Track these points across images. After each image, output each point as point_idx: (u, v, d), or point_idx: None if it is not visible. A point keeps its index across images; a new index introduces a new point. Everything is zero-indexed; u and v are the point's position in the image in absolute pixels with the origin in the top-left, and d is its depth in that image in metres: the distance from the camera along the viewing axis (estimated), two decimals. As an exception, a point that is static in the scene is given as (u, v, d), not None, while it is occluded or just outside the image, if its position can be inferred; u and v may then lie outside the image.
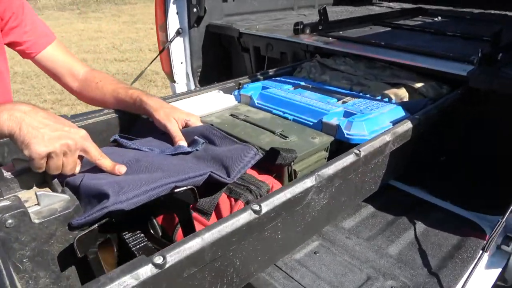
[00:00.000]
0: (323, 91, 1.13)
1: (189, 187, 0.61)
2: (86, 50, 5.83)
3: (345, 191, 0.85)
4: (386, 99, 1.08)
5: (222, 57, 1.97)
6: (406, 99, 1.11)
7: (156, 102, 0.88)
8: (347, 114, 0.97)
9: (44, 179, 0.67)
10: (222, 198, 0.73)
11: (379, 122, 0.93)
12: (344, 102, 1.05)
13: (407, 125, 0.90)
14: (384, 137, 0.84)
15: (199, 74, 1.93)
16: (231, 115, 1.00)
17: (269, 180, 0.78)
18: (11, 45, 0.98)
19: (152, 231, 0.69)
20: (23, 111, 0.61)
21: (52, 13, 8.23)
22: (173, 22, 1.81)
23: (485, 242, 0.82)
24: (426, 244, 0.91)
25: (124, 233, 0.68)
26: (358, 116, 0.93)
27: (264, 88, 1.15)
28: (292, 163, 0.81)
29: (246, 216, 0.58)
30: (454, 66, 1.14)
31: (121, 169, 0.67)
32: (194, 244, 0.52)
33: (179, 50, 1.87)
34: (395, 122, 0.94)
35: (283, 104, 1.03)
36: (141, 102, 0.89)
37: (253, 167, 0.83)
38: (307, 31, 1.52)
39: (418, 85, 1.13)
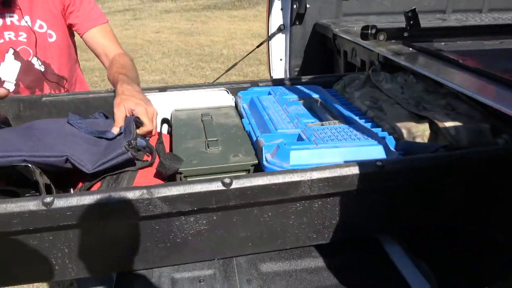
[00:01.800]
0: (318, 108, 0.93)
1: (23, 164, 0.66)
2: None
3: (242, 225, 0.72)
4: (386, 133, 0.81)
5: (324, 59, 1.83)
6: (421, 138, 0.81)
7: (121, 89, 0.94)
8: (299, 139, 0.79)
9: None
10: (97, 186, 0.75)
11: (323, 156, 0.72)
12: (322, 125, 0.85)
13: (341, 170, 0.66)
14: (290, 175, 0.65)
15: (296, 73, 1.86)
16: (202, 114, 0.97)
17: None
18: (71, 26, 1.22)
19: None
20: None
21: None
22: (276, 18, 1.79)
23: None
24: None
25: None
26: (300, 143, 0.75)
27: (269, 93, 1.05)
28: (180, 173, 0.74)
29: (31, 205, 0.59)
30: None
31: None
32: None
33: (279, 46, 1.84)
34: (359, 163, 0.70)
35: (255, 114, 0.92)
36: (115, 87, 0.97)
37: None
38: (381, 37, 1.24)
39: (448, 124, 0.79)
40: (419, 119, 0.85)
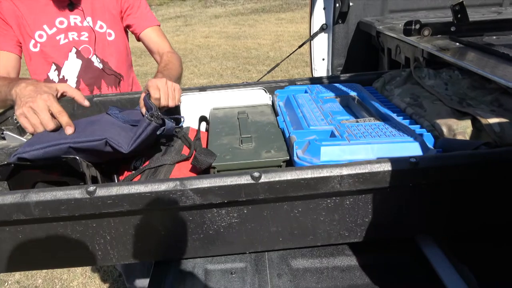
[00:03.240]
0: (354, 106, 0.92)
1: (71, 156, 0.72)
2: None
3: (272, 220, 0.73)
4: (424, 130, 0.79)
5: (368, 58, 1.79)
6: (463, 136, 0.77)
7: (152, 80, 0.97)
8: (332, 135, 0.78)
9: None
10: (137, 179, 0.79)
11: (355, 153, 0.71)
12: (357, 122, 0.84)
13: (372, 166, 0.65)
14: (319, 170, 0.65)
15: (338, 73, 1.84)
16: (238, 112, 0.99)
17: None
18: (128, 27, 1.31)
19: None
20: (20, 87, 0.85)
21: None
22: (319, 18, 1.78)
23: None
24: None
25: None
26: (331, 139, 0.75)
27: (305, 92, 1.05)
28: (214, 168, 0.76)
29: (76, 193, 0.64)
30: None
31: (68, 130, 0.82)
32: (17, 196, 0.64)
33: (321, 46, 1.83)
34: (392, 159, 0.69)
35: (290, 111, 0.93)
36: None
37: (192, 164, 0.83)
38: (426, 32, 1.19)
39: (492, 120, 0.75)
40: (461, 115, 0.81)
